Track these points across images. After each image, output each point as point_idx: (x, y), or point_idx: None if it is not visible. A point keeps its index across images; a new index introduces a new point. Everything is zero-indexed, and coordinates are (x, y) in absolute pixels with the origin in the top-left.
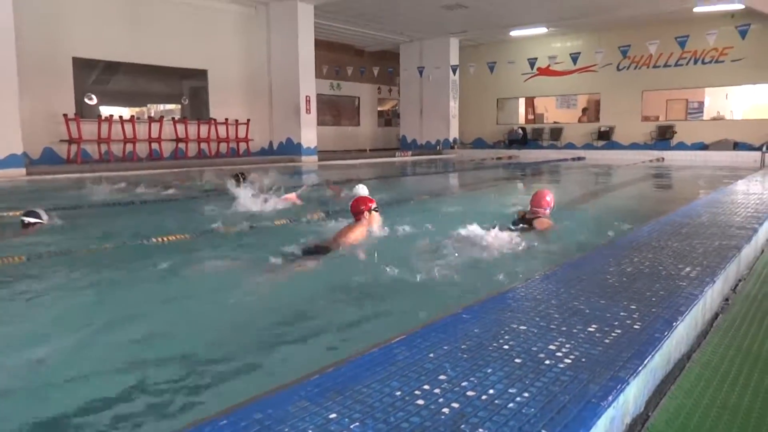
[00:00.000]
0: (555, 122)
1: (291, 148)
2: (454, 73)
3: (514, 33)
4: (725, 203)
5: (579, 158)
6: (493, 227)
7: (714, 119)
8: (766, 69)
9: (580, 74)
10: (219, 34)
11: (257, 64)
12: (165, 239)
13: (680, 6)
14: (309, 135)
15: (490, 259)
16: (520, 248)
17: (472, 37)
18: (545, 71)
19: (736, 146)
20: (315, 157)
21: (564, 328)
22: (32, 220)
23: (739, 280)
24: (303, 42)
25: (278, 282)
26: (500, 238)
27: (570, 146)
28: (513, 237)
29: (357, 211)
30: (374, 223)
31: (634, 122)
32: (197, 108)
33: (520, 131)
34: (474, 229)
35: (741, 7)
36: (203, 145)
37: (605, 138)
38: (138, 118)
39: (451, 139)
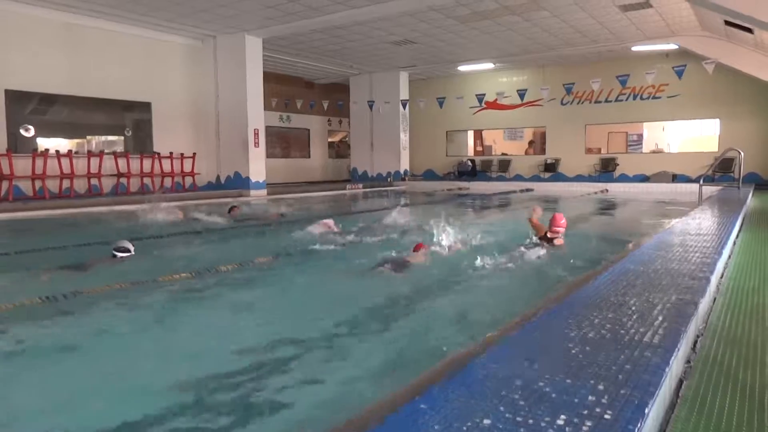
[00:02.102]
0: (503, 154)
1: (239, 182)
2: (404, 107)
3: (462, 68)
4: (674, 246)
5: (528, 190)
6: (520, 246)
7: (653, 152)
8: (699, 106)
9: (527, 108)
10: (164, 66)
11: (204, 97)
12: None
13: (619, 45)
14: (257, 169)
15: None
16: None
17: (421, 71)
18: (493, 105)
19: (675, 178)
20: (264, 191)
21: (531, 422)
22: (123, 254)
23: (698, 336)
24: (251, 75)
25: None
26: (527, 256)
27: (518, 178)
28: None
29: (420, 247)
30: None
31: (578, 155)
32: (140, 141)
33: (470, 163)
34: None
35: (675, 47)
36: (146, 180)
37: (551, 170)
38: (76, 152)
39: (402, 171)
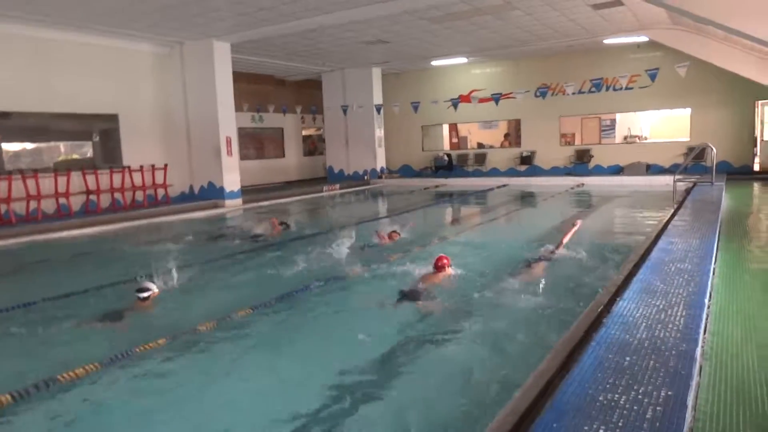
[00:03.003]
0: (479, 144)
1: (213, 192)
2: (379, 112)
3: (435, 63)
4: (656, 295)
5: (503, 186)
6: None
7: (627, 141)
8: (670, 96)
9: (501, 100)
10: (130, 75)
11: (173, 106)
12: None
13: (591, 39)
14: (231, 178)
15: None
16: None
17: (394, 67)
18: (467, 98)
19: (649, 168)
20: (239, 200)
21: None
22: (145, 294)
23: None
24: (221, 81)
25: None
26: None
27: (494, 171)
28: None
29: (440, 264)
30: (450, 272)
31: (553, 147)
32: (109, 155)
33: (446, 158)
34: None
35: (646, 39)
36: (117, 195)
37: (527, 162)
38: (43, 170)
39: (378, 169)
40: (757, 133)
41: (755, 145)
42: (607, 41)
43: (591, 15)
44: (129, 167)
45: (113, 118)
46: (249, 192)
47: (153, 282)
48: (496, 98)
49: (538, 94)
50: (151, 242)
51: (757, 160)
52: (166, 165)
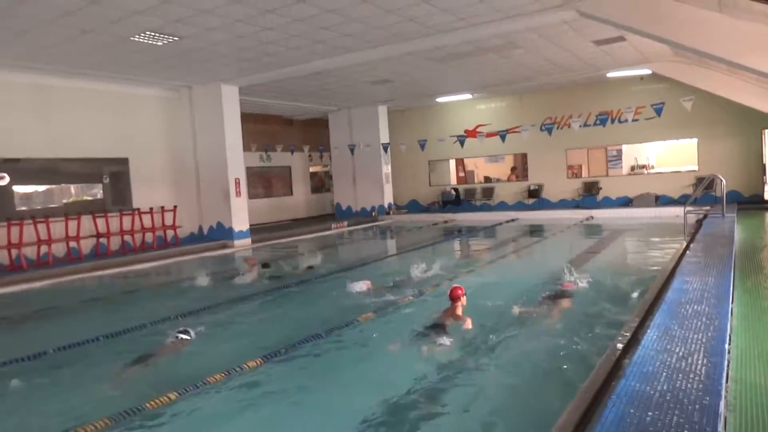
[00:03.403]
0: (486, 178)
1: (222, 233)
2: (386, 151)
3: (440, 99)
4: (675, 341)
5: (512, 220)
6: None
7: (635, 172)
8: (676, 127)
9: (507, 134)
10: (139, 119)
11: (182, 148)
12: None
13: (595, 73)
14: (240, 218)
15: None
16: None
17: (400, 104)
18: (473, 133)
19: (658, 199)
20: (248, 240)
21: None
22: (185, 336)
23: None
24: (229, 123)
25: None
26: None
27: (502, 205)
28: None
29: (455, 295)
30: (464, 302)
31: (560, 179)
32: (119, 198)
33: (453, 192)
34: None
35: (649, 72)
36: (127, 237)
37: (535, 196)
38: (53, 215)
39: (386, 205)
40: (766, 161)
41: (764, 174)
42: (610, 74)
43: (593, 50)
44: (139, 209)
45: (123, 162)
46: (257, 231)
47: (193, 331)
48: (503, 135)
49: (543, 128)
50: (162, 285)
51: (767, 188)
52: (175, 207)
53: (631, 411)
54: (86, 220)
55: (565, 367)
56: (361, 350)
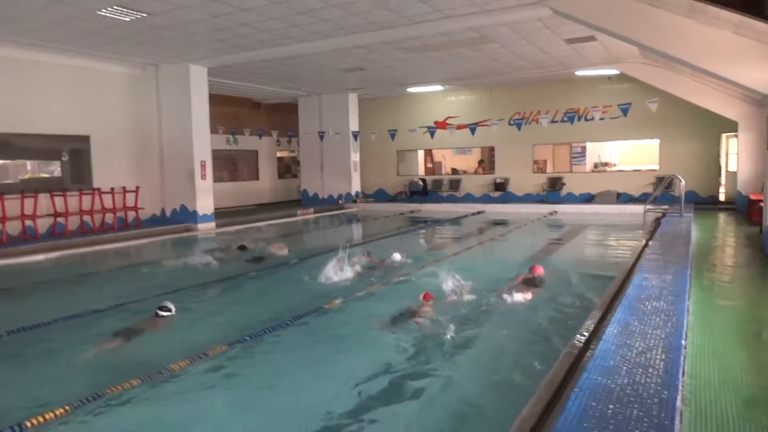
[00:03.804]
0: (453, 170)
1: (186, 216)
2: (356, 139)
3: (411, 90)
4: (634, 336)
5: (479, 212)
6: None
7: (598, 170)
8: (640, 127)
9: (477, 128)
10: (102, 96)
11: (146, 128)
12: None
13: (564, 71)
14: (205, 202)
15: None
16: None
17: (370, 92)
18: (442, 125)
19: (619, 197)
20: (213, 224)
21: None
22: (165, 313)
23: None
24: (197, 105)
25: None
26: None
27: (469, 197)
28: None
29: (428, 298)
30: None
31: (526, 174)
32: (79, 177)
33: (421, 183)
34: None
35: (617, 72)
36: (86, 218)
37: (501, 189)
38: (6, 193)
39: (353, 193)
40: (722, 164)
41: (720, 176)
42: (579, 73)
43: (565, 49)
44: (99, 189)
45: (84, 139)
46: (222, 215)
47: (173, 304)
48: (473, 128)
49: (512, 123)
50: (129, 266)
51: (722, 190)
52: (137, 187)
53: (593, 404)
54: (44, 199)
55: (521, 359)
56: (316, 337)
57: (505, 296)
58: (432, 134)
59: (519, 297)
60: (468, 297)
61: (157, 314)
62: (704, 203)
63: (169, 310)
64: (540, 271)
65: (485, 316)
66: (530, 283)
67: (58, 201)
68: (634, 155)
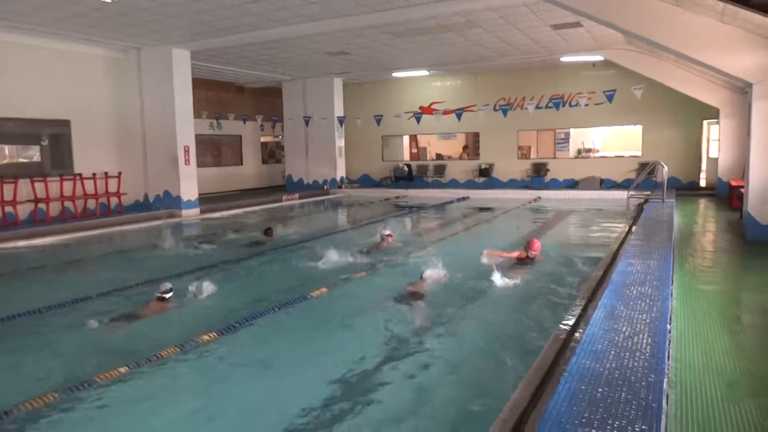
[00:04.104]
0: (438, 156)
1: (169, 202)
2: (341, 124)
3: (396, 74)
4: (621, 320)
5: (464, 198)
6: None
7: (581, 156)
8: (623, 114)
9: (461, 113)
10: (83, 79)
11: (128, 112)
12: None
13: (550, 57)
14: (189, 187)
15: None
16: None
17: (356, 77)
18: (427, 110)
19: (602, 183)
20: (197, 210)
21: None
22: (167, 295)
23: None
24: (179, 90)
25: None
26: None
27: (454, 182)
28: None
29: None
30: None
31: (511, 160)
32: (60, 162)
33: (406, 168)
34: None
35: (602, 58)
36: (68, 204)
37: (486, 175)
38: None
39: (338, 178)
40: (704, 150)
41: (701, 162)
42: (564, 59)
43: (551, 34)
44: (81, 175)
45: (64, 123)
46: (206, 201)
47: (170, 283)
48: (459, 114)
49: (497, 108)
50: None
51: (703, 176)
52: (120, 173)
53: (582, 387)
54: (23, 185)
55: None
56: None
57: (497, 276)
58: (418, 120)
59: (510, 278)
60: (456, 276)
61: (162, 298)
62: (685, 189)
63: (171, 290)
64: (537, 248)
65: (474, 297)
66: (524, 262)
67: (39, 187)
68: (617, 141)
